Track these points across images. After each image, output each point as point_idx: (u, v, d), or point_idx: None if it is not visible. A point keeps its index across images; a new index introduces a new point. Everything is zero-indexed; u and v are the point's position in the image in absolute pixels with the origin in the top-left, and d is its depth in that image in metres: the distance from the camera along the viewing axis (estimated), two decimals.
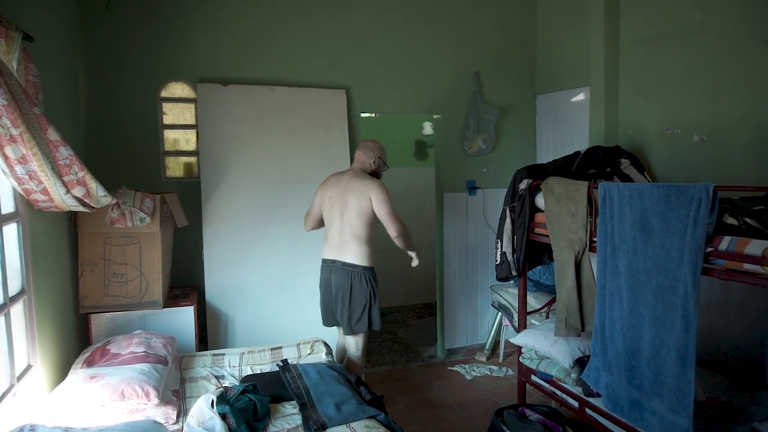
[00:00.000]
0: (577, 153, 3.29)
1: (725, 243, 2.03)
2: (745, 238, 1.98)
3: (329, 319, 3.16)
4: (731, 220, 2.11)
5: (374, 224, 3.04)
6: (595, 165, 3.25)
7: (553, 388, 2.96)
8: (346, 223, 2.99)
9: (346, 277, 2.99)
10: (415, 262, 3.25)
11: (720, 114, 2.98)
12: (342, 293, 2.99)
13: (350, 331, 3.04)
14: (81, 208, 2.27)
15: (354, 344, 3.11)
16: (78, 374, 2.29)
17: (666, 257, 2.20)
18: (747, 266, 1.95)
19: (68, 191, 2.14)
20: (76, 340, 2.87)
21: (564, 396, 2.88)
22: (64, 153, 2.07)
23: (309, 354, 2.96)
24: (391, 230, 2.99)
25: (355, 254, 2.99)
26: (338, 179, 3.08)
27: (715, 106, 3.01)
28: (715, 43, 3.00)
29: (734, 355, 2.91)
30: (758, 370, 2.79)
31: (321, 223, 3.18)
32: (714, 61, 3.01)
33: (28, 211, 2.28)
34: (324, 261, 3.10)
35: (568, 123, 4.15)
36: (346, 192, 2.99)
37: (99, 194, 2.24)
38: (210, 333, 3.43)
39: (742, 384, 2.74)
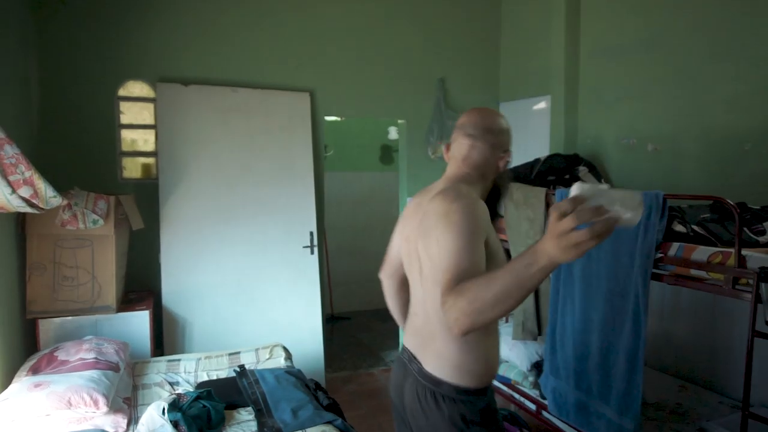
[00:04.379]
0: (537, 160, 3.35)
1: (674, 249, 2.10)
2: (692, 244, 2.06)
3: None
4: (680, 228, 2.18)
5: None
6: (554, 172, 3.32)
7: (511, 392, 3.01)
8: (428, 293, 1.44)
9: (417, 398, 1.45)
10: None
11: (673, 125, 3.10)
12: (413, 423, 1.50)
13: None
14: (29, 209, 2.18)
15: None
16: (22, 382, 2.20)
17: (617, 263, 2.27)
18: (694, 272, 2.03)
19: (14, 191, 2.05)
20: (22, 347, 2.75)
21: (522, 399, 2.92)
22: (10, 151, 1.98)
23: (268, 359, 2.91)
24: (451, 327, 1.18)
25: (441, 358, 1.42)
26: (417, 203, 1.55)
27: (670, 117, 3.12)
28: (669, 58, 3.11)
29: (683, 358, 3.01)
30: (706, 371, 2.90)
31: (395, 275, 1.72)
32: (668, 75, 3.12)
33: None
34: (402, 351, 1.60)
35: (530, 130, 4.23)
36: (415, 226, 1.48)
37: (48, 195, 2.15)
38: (166, 338, 3.34)
39: (690, 386, 2.84)
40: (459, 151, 1.52)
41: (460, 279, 1.18)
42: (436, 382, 1.41)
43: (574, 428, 2.52)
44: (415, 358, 1.49)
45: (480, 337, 1.39)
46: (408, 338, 1.57)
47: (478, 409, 1.40)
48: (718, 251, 1.95)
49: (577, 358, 2.45)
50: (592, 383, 2.36)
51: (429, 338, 1.45)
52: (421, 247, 1.42)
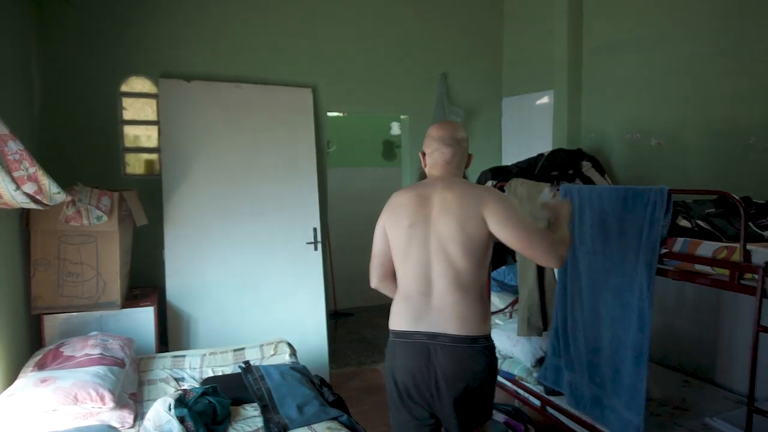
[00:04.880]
0: (541, 155, 3.35)
1: (678, 244, 2.10)
2: (697, 239, 2.06)
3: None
4: (684, 223, 2.18)
5: (489, 263, 1.87)
6: (557, 167, 3.32)
7: (515, 387, 3.01)
8: (448, 268, 1.76)
9: (461, 364, 1.73)
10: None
11: (677, 120, 3.09)
12: (451, 390, 1.74)
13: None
14: (33, 206, 2.18)
15: None
16: (28, 378, 2.20)
17: (623, 258, 2.26)
18: (698, 267, 2.02)
19: (18, 187, 2.05)
20: (28, 343, 2.75)
21: (526, 395, 2.92)
22: (14, 147, 1.98)
23: (272, 355, 2.92)
24: (546, 257, 1.71)
25: (471, 319, 1.75)
26: (420, 194, 1.85)
27: (673, 112, 3.11)
28: (672, 52, 3.10)
29: (688, 353, 3.02)
30: (709, 367, 2.90)
31: (393, 273, 1.93)
32: (671, 69, 3.11)
33: None
34: (405, 336, 1.81)
35: (533, 125, 4.22)
36: (439, 214, 1.79)
37: (52, 191, 2.15)
38: (171, 334, 3.35)
39: (694, 381, 2.84)
40: (442, 158, 1.90)
41: (539, 234, 1.72)
42: (472, 339, 1.74)
43: (580, 423, 2.53)
44: (437, 335, 1.75)
45: (486, 291, 1.85)
46: (415, 322, 1.79)
47: (493, 348, 1.82)
48: (723, 246, 1.94)
49: (590, 352, 2.46)
50: (605, 377, 2.37)
51: (448, 310, 1.75)
52: (453, 228, 1.75)
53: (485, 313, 1.80)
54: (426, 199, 1.83)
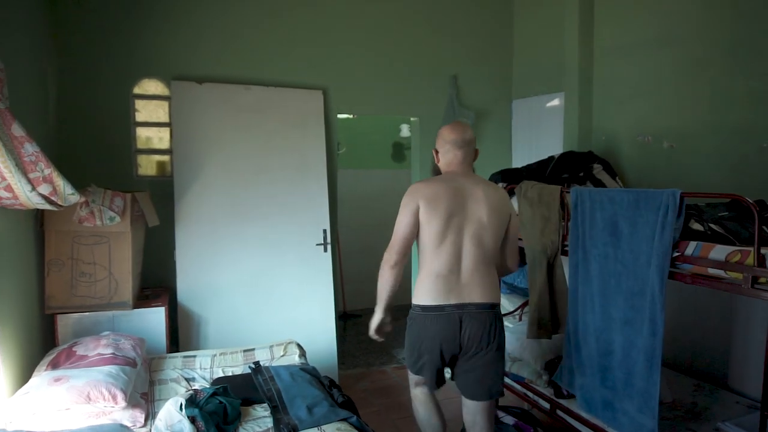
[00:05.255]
0: (551, 158, 3.34)
1: (691, 248, 2.08)
2: (709, 243, 2.04)
3: (434, 374, 2.25)
4: (697, 226, 2.16)
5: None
6: (568, 170, 3.30)
7: (525, 390, 3.00)
8: (478, 249, 2.16)
9: (484, 325, 2.14)
10: None
11: (689, 122, 3.06)
12: (476, 347, 2.15)
13: (488, 395, 2.21)
14: (48, 206, 2.21)
15: (488, 412, 2.25)
16: (42, 376, 2.23)
17: (635, 262, 2.25)
18: (711, 271, 2.01)
19: (34, 188, 2.08)
20: (41, 342, 2.79)
21: (535, 398, 2.91)
22: (30, 149, 2.01)
23: (282, 356, 2.93)
24: (513, 260, 2.34)
25: (492, 289, 2.18)
26: (453, 187, 2.18)
27: (685, 114, 3.09)
28: (685, 53, 3.08)
29: (700, 357, 2.99)
30: (721, 371, 2.87)
31: (408, 253, 2.25)
32: (684, 71, 3.09)
33: None
34: (440, 310, 2.14)
35: (543, 128, 4.21)
36: (475, 204, 2.17)
37: (66, 192, 2.18)
38: (181, 334, 3.37)
39: (706, 385, 2.82)
40: (456, 159, 2.27)
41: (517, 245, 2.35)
42: (492, 305, 2.18)
43: (590, 426, 2.52)
44: (465, 304, 2.14)
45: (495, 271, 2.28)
46: (452, 294, 2.15)
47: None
48: (737, 250, 1.93)
49: (601, 355, 2.44)
50: (617, 381, 2.36)
51: (479, 281, 2.16)
52: (490, 221, 2.17)
53: (498, 284, 2.27)
54: (459, 192, 2.18)
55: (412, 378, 2.35)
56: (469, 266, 2.16)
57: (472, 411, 2.24)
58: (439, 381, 2.27)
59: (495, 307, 2.19)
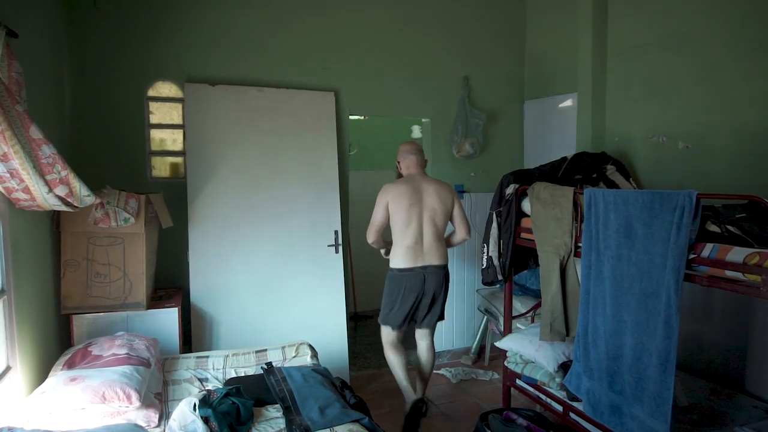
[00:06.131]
0: (564, 159, 3.31)
1: (707, 250, 2.05)
2: (727, 245, 2.01)
3: (403, 321, 3.23)
4: (714, 228, 2.13)
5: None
6: (581, 171, 3.28)
7: (537, 392, 2.98)
8: (433, 228, 3.12)
9: (438, 279, 3.13)
10: None
11: (704, 122, 3.03)
12: (433, 295, 3.15)
13: (432, 324, 3.29)
14: (64, 208, 2.24)
15: (430, 336, 3.34)
16: (58, 376, 2.26)
17: (649, 263, 2.22)
18: (728, 273, 1.98)
19: (50, 190, 2.11)
20: (57, 342, 2.82)
21: (548, 400, 2.89)
22: (47, 151, 2.04)
23: (294, 357, 2.94)
24: (465, 231, 3.24)
25: (442, 256, 3.16)
26: (411, 186, 3.14)
27: (700, 114, 3.05)
28: (700, 53, 3.04)
29: (715, 360, 2.95)
30: (738, 375, 2.83)
31: (382, 233, 3.23)
32: (699, 71, 3.05)
33: (9, 210, 2.24)
34: (410, 271, 3.09)
35: (556, 129, 4.19)
36: (429, 197, 3.12)
37: (82, 194, 2.21)
38: (194, 335, 3.39)
39: (722, 389, 2.78)
40: (412, 163, 3.27)
41: (467, 219, 3.28)
42: (443, 266, 3.18)
43: (603, 430, 2.49)
44: (431, 265, 3.13)
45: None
46: (419, 259, 3.12)
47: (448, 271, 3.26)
48: (755, 252, 1.90)
49: (610, 359, 2.41)
50: (626, 385, 2.33)
51: (434, 250, 3.14)
52: (437, 203, 3.13)
53: (446, 251, 3.23)
54: (417, 189, 3.14)
55: (384, 332, 3.29)
56: (428, 240, 3.12)
57: (423, 335, 3.32)
58: (404, 322, 3.21)
59: (445, 267, 3.19)
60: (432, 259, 3.11)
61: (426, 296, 3.13)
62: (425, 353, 3.31)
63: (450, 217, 3.20)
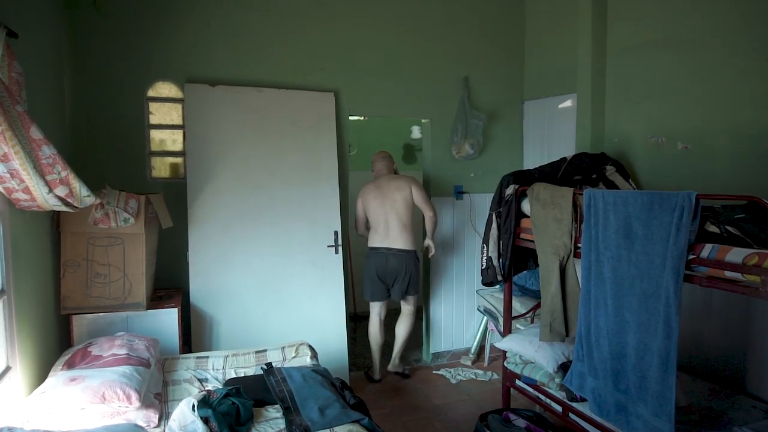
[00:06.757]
0: (563, 159, 3.32)
1: (707, 250, 2.05)
2: (726, 245, 2.01)
3: (380, 295, 3.90)
4: (713, 228, 2.14)
5: (413, 213, 3.84)
6: (580, 171, 3.28)
7: (537, 393, 2.98)
8: (397, 218, 3.76)
9: (400, 260, 3.76)
10: (432, 251, 3.97)
11: (704, 123, 3.03)
12: (396, 273, 3.79)
13: (404, 296, 3.90)
14: (64, 208, 2.24)
15: (411, 305, 4.00)
16: (58, 376, 2.25)
17: (649, 264, 2.23)
18: (728, 274, 1.98)
19: (51, 191, 2.10)
20: (57, 342, 2.82)
21: (548, 401, 2.89)
22: (47, 152, 2.04)
23: (294, 357, 2.94)
24: (429, 211, 3.81)
25: (406, 241, 3.78)
26: (377, 185, 3.85)
27: (699, 115, 3.06)
28: (699, 54, 3.04)
29: (715, 360, 2.95)
30: (738, 375, 2.83)
31: (368, 224, 3.93)
32: (698, 72, 3.06)
33: (8, 210, 2.24)
34: (377, 249, 3.81)
35: (555, 129, 4.19)
36: (389, 191, 3.78)
37: (82, 194, 2.21)
38: (194, 335, 3.39)
39: (722, 389, 2.78)
40: (381, 167, 4.00)
41: (429, 200, 3.93)
42: (408, 251, 3.79)
43: (601, 430, 2.49)
44: (393, 248, 3.77)
45: (413, 229, 3.86)
46: (385, 242, 3.79)
47: (417, 255, 3.87)
48: (755, 252, 1.90)
49: (615, 358, 2.42)
50: (630, 384, 2.33)
51: (401, 236, 3.77)
52: (399, 199, 3.77)
53: (413, 239, 3.82)
54: (381, 187, 3.83)
55: (371, 307, 4.00)
56: (393, 227, 3.78)
57: (403, 308, 4.02)
58: (379, 295, 3.89)
59: (409, 251, 3.78)
60: (396, 243, 3.75)
61: (390, 274, 3.80)
62: (399, 324, 4.04)
63: (414, 203, 3.81)
